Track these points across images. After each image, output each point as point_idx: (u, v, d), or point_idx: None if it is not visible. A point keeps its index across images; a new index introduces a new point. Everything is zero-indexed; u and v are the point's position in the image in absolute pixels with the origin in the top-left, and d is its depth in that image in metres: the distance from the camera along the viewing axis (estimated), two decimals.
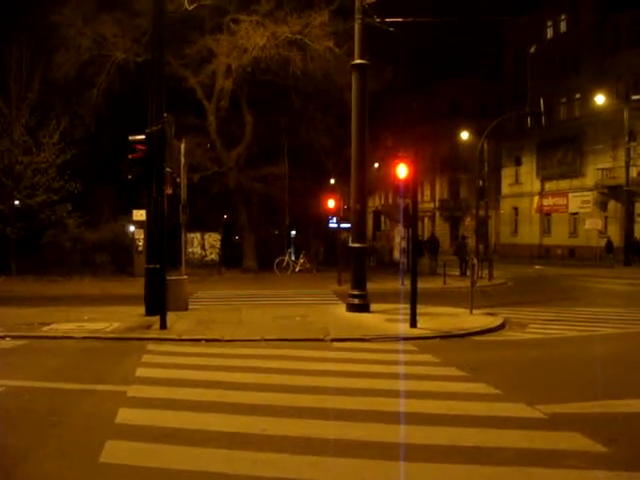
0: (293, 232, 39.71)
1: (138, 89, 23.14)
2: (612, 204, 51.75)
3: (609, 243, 46.45)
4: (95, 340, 12.70)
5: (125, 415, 7.28)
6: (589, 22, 53.68)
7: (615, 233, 48.98)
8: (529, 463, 5.81)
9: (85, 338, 12.77)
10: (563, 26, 59.11)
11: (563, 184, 58.04)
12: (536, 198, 61.27)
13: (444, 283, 26.18)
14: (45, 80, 31.58)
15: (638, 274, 34.84)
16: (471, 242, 37.53)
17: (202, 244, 36.90)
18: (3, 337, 12.84)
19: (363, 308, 16.46)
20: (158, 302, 13.95)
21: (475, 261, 18.85)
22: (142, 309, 15.72)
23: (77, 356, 11.24)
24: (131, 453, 6.14)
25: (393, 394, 8.23)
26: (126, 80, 31.23)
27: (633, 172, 46.66)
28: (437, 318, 15.39)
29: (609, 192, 51.49)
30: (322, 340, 12.53)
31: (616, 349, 12.35)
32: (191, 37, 30.91)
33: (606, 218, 51.98)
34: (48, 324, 14.19)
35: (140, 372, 9.62)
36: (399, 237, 30.43)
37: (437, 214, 75.23)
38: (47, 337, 12.97)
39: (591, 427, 6.77)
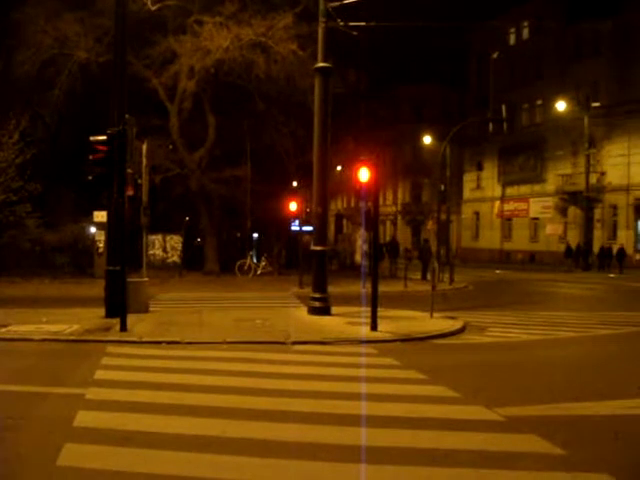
0: (255, 235, 39.62)
1: (100, 89, 22.97)
2: (572, 210, 52.47)
3: (568, 248, 47.12)
4: (54, 342, 12.54)
5: (83, 418, 7.21)
6: (551, 30, 54.39)
7: (574, 238, 49.66)
8: (486, 465, 5.87)
9: (44, 340, 12.61)
10: (526, 33, 59.88)
11: (524, 189, 58.72)
12: (497, 203, 61.89)
13: (405, 286, 26.22)
14: (5, 78, 31.11)
15: (595, 279, 35.43)
16: (433, 246, 37.67)
17: (163, 246, 36.62)
18: None
19: (324, 311, 16.48)
20: (118, 304, 13.83)
21: (436, 265, 18.98)
22: (102, 311, 15.57)
23: (35, 358, 11.09)
24: (89, 456, 6.07)
25: (353, 397, 8.25)
26: (88, 80, 30.88)
27: (593, 179, 47.43)
28: (398, 321, 15.45)
29: (569, 198, 52.20)
30: (283, 343, 12.51)
31: (574, 352, 12.54)
32: (154, 38, 30.60)
33: (566, 224, 52.70)
34: (5, 326, 13.96)
35: (99, 374, 9.53)
36: (361, 240, 30.53)
37: (399, 218, 75.51)
38: (4, 339, 12.78)
39: (548, 429, 6.87)
